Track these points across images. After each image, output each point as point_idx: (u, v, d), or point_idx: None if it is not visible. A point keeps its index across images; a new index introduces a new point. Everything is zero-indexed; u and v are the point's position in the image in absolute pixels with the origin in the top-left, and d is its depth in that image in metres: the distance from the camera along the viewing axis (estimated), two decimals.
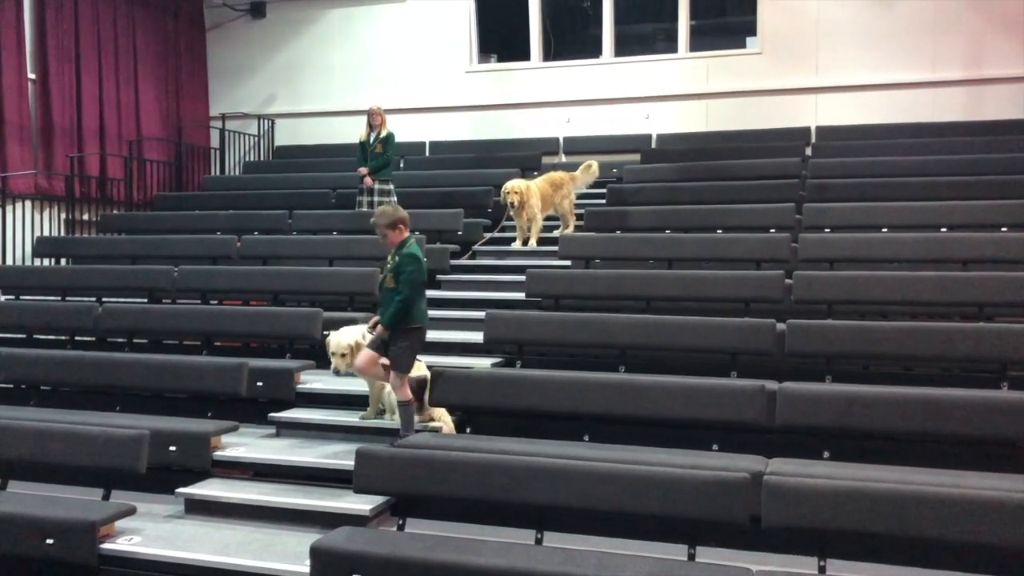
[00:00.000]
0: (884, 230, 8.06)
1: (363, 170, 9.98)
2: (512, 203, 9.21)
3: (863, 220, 8.27)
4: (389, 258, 5.77)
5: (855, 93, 11.35)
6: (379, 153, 10.01)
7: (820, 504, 4.18)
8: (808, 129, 11.38)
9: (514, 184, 9.26)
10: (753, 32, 11.99)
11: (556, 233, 9.40)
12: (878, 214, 8.29)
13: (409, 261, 5.64)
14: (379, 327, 5.70)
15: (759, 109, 11.66)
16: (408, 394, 5.67)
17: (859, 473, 4.66)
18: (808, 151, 10.86)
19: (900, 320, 6.56)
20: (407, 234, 5.79)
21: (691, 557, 4.40)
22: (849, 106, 11.36)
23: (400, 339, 5.67)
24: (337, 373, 5.95)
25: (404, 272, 5.62)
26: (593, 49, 12.82)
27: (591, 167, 9.87)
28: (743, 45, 12.13)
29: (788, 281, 7.01)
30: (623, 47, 12.71)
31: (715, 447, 5.39)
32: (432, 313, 8.01)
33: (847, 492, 4.20)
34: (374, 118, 10.11)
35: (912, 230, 7.88)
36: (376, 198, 9.97)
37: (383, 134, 10.06)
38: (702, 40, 12.43)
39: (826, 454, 5.24)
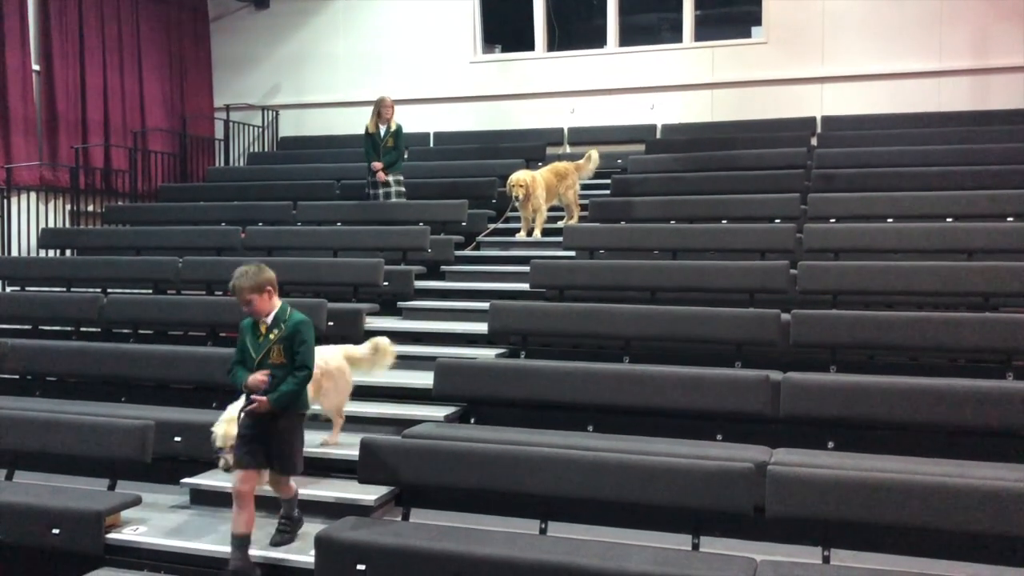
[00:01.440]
0: (889, 220, 8.03)
1: (377, 165, 9.81)
2: (518, 196, 9.19)
3: (868, 210, 8.24)
4: (262, 328, 4.67)
5: (861, 83, 11.30)
6: (391, 147, 9.83)
7: (824, 494, 4.19)
8: (814, 119, 11.33)
9: (520, 176, 9.23)
10: (758, 21, 11.94)
11: (560, 224, 9.39)
12: (883, 204, 8.26)
13: (306, 328, 4.67)
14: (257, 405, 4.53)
15: (764, 99, 11.61)
16: (293, 487, 4.82)
17: (864, 463, 4.67)
18: (813, 141, 10.82)
19: (905, 310, 6.54)
20: (277, 299, 4.74)
21: (695, 547, 4.40)
22: (855, 96, 11.30)
23: (290, 428, 4.66)
24: (227, 470, 4.80)
25: (304, 342, 4.63)
26: (598, 39, 12.76)
27: (591, 157, 9.85)
28: (748, 35, 12.07)
29: (793, 271, 7.00)
30: (628, 37, 12.65)
31: (719, 437, 5.40)
32: (436, 304, 8.10)
33: (851, 482, 4.20)
34: (386, 110, 9.84)
35: (917, 220, 7.85)
36: (393, 188, 9.88)
37: (393, 127, 9.88)
38: (707, 30, 12.37)
39: (831, 444, 5.24)
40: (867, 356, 6.26)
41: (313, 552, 4.44)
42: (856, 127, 10.88)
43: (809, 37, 11.51)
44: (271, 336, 4.66)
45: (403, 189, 10.02)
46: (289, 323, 4.67)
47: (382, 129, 9.86)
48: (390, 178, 9.85)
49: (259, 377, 4.58)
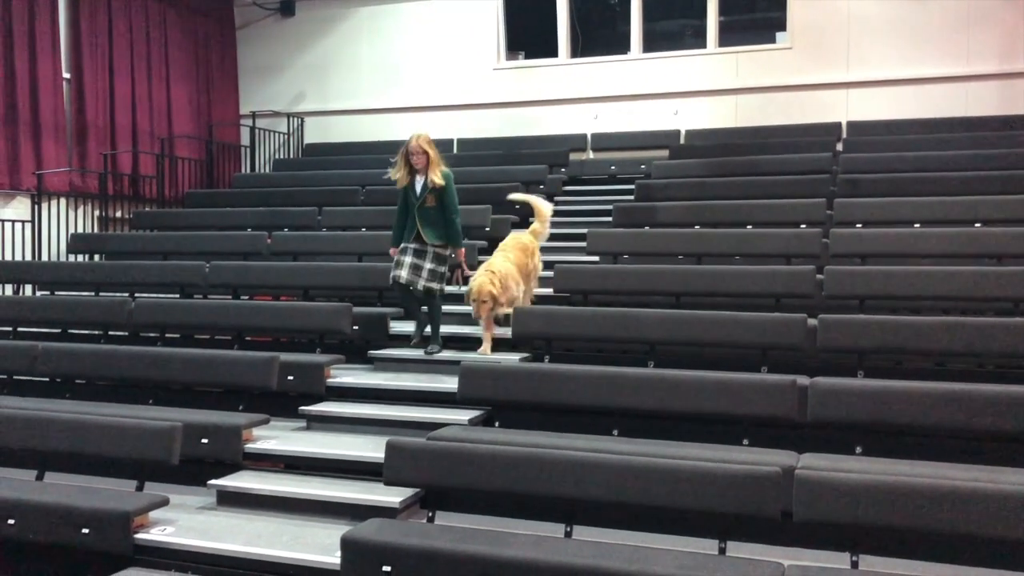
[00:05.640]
0: (916, 225, 7.96)
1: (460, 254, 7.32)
2: (479, 314, 6.93)
3: (895, 215, 8.19)
4: None
5: (887, 88, 11.23)
6: (429, 207, 6.99)
7: (852, 499, 4.15)
8: (839, 124, 11.27)
9: (481, 284, 6.82)
10: (783, 27, 11.89)
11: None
12: (910, 209, 8.21)
13: None
14: None
15: (789, 104, 11.56)
16: None
17: (891, 468, 4.62)
18: (839, 146, 10.75)
19: (933, 315, 6.49)
20: None
21: (722, 551, 4.38)
22: (881, 101, 11.24)
23: None
24: None
25: None
26: (621, 45, 12.77)
27: (543, 215, 8.05)
28: (773, 40, 12.03)
29: (819, 276, 6.96)
30: (651, 43, 12.65)
31: (746, 442, 5.37)
32: (459, 309, 8.10)
33: (879, 487, 4.16)
34: (414, 158, 6.89)
35: (945, 225, 7.78)
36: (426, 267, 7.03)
37: (436, 180, 6.91)
38: (731, 36, 12.34)
39: (858, 449, 5.20)
40: (894, 361, 6.21)
41: (339, 553, 4.46)
42: (882, 132, 10.80)
43: (834, 42, 11.46)
44: None
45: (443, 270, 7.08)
46: None
47: (418, 184, 6.99)
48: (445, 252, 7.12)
49: None
